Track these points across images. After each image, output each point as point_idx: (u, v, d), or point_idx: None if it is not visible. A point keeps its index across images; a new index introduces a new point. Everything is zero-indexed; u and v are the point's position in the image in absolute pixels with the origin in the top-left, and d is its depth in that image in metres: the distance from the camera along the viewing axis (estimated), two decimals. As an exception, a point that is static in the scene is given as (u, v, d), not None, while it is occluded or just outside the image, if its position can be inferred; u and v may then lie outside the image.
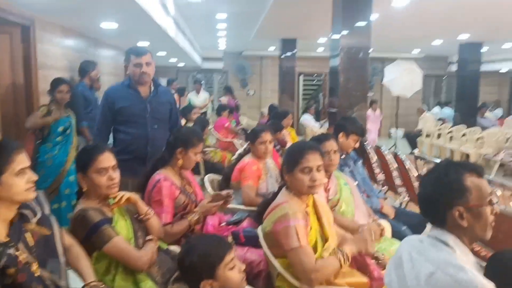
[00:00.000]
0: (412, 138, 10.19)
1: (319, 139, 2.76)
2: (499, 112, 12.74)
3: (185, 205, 2.42)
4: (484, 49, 9.72)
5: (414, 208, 4.17)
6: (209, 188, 3.27)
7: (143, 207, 2.07)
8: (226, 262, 1.54)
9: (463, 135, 8.96)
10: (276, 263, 1.95)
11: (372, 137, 8.72)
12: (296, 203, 1.99)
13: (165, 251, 2.15)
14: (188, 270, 1.55)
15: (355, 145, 3.21)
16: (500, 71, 13.36)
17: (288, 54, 9.47)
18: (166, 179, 2.38)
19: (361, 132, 3.26)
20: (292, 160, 2.01)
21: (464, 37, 8.74)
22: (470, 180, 1.32)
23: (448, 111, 12.55)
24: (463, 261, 1.30)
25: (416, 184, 3.95)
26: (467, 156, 8.47)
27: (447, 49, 11.62)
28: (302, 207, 2.00)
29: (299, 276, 1.87)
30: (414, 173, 3.90)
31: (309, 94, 14.71)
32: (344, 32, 4.64)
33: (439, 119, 11.39)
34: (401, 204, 3.90)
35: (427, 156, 3.81)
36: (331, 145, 2.71)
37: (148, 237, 2.02)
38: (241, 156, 3.41)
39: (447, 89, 15.16)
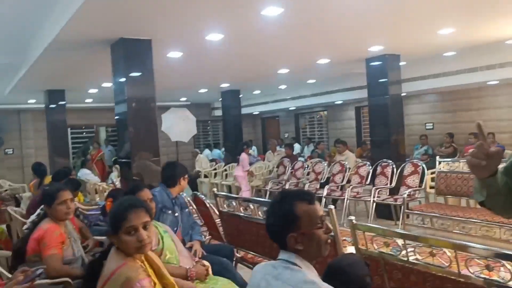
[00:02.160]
0: (192, 180, 10.76)
1: (133, 191, 2.68)
2: (255, 148, 14.86)
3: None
4: (241, 95, 11.26)
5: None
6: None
7: None
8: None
9: (236, 171, 10.01)
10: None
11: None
12: (133, 263, 1.85)
13: None
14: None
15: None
16: (254, 113, 15.64)
17: (55, 105, 8.72)
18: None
19: (186, 172, 3.58)
20: (115, 222, 1.87)
21: (225, 85, 9.94)
22: (301, 208, 1.52)
23: (218, 152, 13.91)
24: (311, 275, 1.50)
25: (218, 221, 4.20)
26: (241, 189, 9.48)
27: (211, 97, 12.95)
28: (139, 265, 1.88)
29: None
30: (215, 211, 4.14)
31: (78, 147, 13.77)
32: (128, 82, 4.65)
33: (211, 160, 12.49)
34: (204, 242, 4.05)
35: (221, 193, 4.11)
36: (146, 194, 2.68)
37: None
38: (35, 223, 2.95)
39: (213, 132, 16.73)
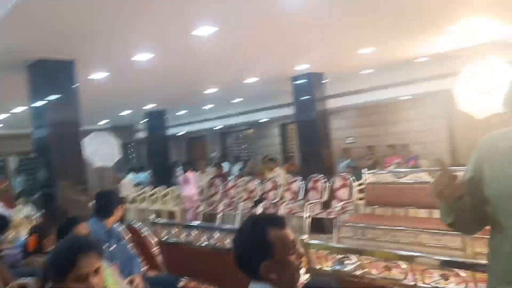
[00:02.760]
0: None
1: (67, 226, 2.42)
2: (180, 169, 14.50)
3: None
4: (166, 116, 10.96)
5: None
6: None
7: None
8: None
9: (165, 195, 9.66)
10: None
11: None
12: None
13: None
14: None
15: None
16: (178, 134, 15.33)
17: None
18: None
19: (122, 200, 3.32)
20: (61, 268, 1.63)
21: (150, 106, 9.62)
22: (274, 235, 1.42)
23: (143, 175, 13.34)
24: None
25: (156, 250, 3.96)
26: (172, 213, 9.16)
27: (133, 118, 12.47)
28: None
29: None
30: (152, 240, 3.90)
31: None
32: (50, 106, 4.28)
33: (136, 184, 11.93)
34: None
35: (161, 221, 3.89)
36: (83, 228, 2.44)
37: None
38: None
39: (136, 155, 16.09)
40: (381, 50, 5.79)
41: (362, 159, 10.52)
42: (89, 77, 5.40)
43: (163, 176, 10.40)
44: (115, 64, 5.03)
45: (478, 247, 4.54)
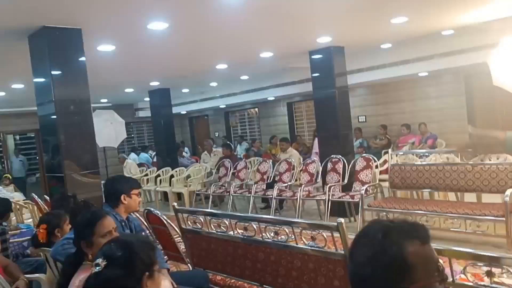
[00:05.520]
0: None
1: (91, 220, 2.04)
2: (187, 150, 14.11)
3: None
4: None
5: (180, 267, 3.82)
6: None
7: None
8: None
9: (172, 176, 9.28)
10: None
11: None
12: None
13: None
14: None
15: (139, 198, 2.94)
16: (181, 113, 14.86)
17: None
18: None
19: (138, 184, 3.00)
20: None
21: (154, 84, 9.13)
22: (414, 253, 1.03)
23: (146, 156, 12.93)
24: None
25: (178, 239, 3.59)
26: (179, 195, 8.80)
27: (135, 97, 11.98)
28: None
29: None
30: (174, 228, 3.53)
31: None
32: (56, 80, 3.81)
33: (139, 165, 11.52)
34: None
35: (184, 208, 3.52)
36: (110, 223, 2.09)
37: None
38: None
39: (138, 134, 15.64)
40: (413, 19, 5.31)
41: (375, 138, 10.15)
42: (97, 48, 4.92)
43: (169, 156, 9.99)
44: (125, 34, 4.55)
45: (525, 234, 4.21)
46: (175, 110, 13.25)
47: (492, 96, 8.02)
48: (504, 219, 4.19)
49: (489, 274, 1.87)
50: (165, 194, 9.24)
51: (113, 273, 1.43)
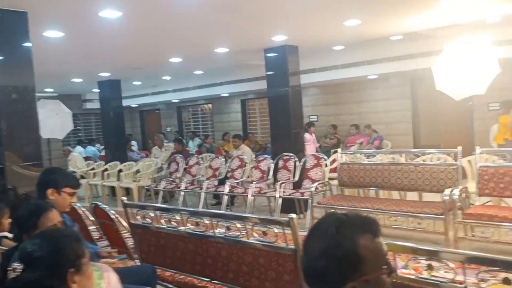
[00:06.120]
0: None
1: (35, 213, 1.94)
2: (135, 144, 13.74)
3: None
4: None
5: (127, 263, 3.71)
6: None
7: None
8: None
9: (120, 171, 9.01)
10: None
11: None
12: None
13: None
14: None
15: (72, 199, 2.61)
16: (131, 106, 14.47)
17: None
18: None
19: (76, 183, 2.68)
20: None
21: (104, 75, 8.82)
22: (366, 247, 1.07)
23: (93, 149, 12.47)
24: None
25: (126, 234, 3.50)
26: (127, 190, 8.57)
27: (83, 88, 11.52)
28: None
29: None
30: (122, 223, 3.43)
31: None
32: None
33: (85, 158, 11.10)
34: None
35: (134, 203, 3.43)
36: (55, 216, 1.98)
37: None
38: None
39: (85, 127, 15.05)
40: (365, 23, 5.48)
41: (325, 137, 10.41)
42: (41, 35, 4.67)
43: (117, 150, 9.69)
44: (74, 20, 4.35)
45: (460, 231, 4.48)
46: (125, 102, 12.88)
47: (435, 100, 8.48)
48: (443, 217, 4.43)
49: (429, 267, 1.97)
50: (112, 189, 8.96)
51: (33, 275, 1.31)
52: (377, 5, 4.82)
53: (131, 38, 5.52)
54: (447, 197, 4.45)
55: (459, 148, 5.05)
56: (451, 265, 1.91)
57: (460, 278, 1.90)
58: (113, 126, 9.67)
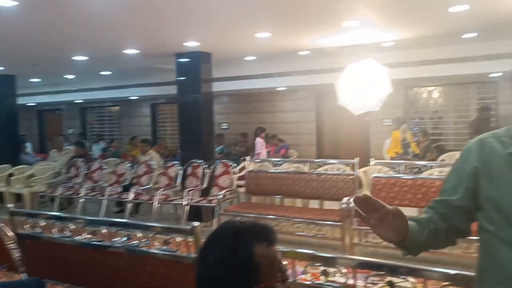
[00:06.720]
0: None
1: None
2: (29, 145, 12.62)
3: None
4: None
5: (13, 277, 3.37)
6: None
7: None
8: None
9: (11, 175, 8.20)
10: None
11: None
12: None
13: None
14: None
15: None
16: (28, 105, 13.29)
17: None
18: None
19: None
20: None
21: (-2, 69, 8.02)
22: (261, 255, 1.07)
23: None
24: None
25: (12, 245, 3.17)
26: (18, 196, 7.82)
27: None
28: None
29: None
30: (7, 233, 3.10)
31: None
32: None
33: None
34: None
35: (22, 210, 3.12)
36: None
37: None
38: None
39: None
40: (275, 36, 5.67)
41: (235, 146, 10.51)
42: None
43: (9, 152, 8.81)
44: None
45: (356, 237, 4.80)
46: (21, 100, 11.81)
47: (337, 113, 9.03)
48: (340, 224, 4.71)
49: (325, 273, 2.07)
50: (1, 195, 8.11)
51: None
52: (286, 21, 5.03)
53: (28, 31, 5.07)
54: (344, 205, 4.74)
55: (357, 159, 5.42)
56: (344, 270, 2.02)
57: (351, 282, 2.02)
58: (5, 126, 8.79)
